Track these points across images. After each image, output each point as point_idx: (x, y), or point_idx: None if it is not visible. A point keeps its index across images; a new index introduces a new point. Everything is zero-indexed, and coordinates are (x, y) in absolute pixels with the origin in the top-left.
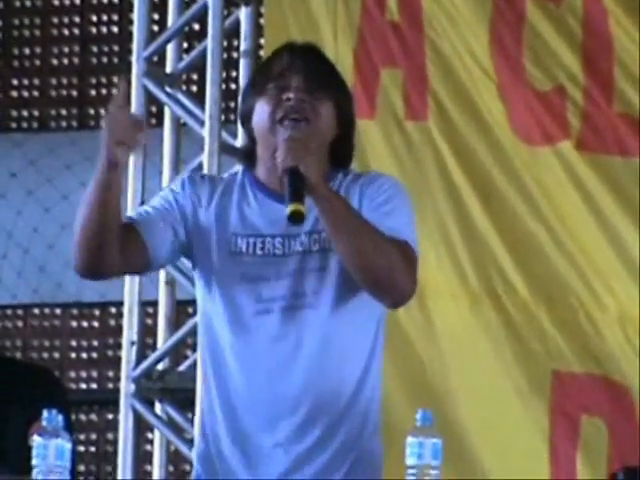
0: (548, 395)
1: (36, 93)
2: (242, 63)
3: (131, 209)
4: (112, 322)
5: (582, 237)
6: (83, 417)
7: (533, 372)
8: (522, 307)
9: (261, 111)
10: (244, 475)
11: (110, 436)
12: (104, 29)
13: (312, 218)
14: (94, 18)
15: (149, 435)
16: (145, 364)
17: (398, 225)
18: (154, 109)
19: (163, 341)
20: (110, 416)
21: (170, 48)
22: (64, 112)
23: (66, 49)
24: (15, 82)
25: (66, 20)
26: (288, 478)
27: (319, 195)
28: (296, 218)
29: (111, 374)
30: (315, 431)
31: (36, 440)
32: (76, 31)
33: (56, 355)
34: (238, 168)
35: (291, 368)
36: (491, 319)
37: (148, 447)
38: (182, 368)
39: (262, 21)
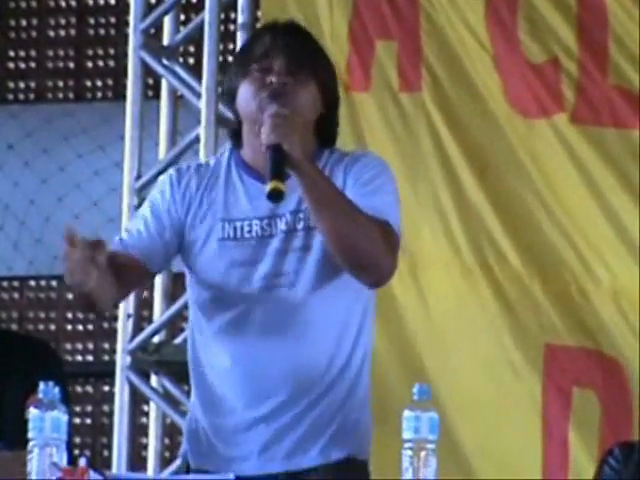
0: (541, 368)
1: (33, 65)
2: (239, 36)
3: (128, 183)
4: None
5: (576, 210)
6: (79, 389)
7: (526, 345)
8: (515, 280)
9: (245, 92)
10: (224, 449)
11: (106, 408)
12: (101, 1)
13: (297, 197)
14: None
15: (145, 407)
16: (141, 337)
17: (381, 205)
18: (151, 81)
19: (159, 314)
20: (106, 388)
21: (167, 20)
22: (61, 84)
23: (63, 21)
24: (12, 54)
25: None
26: (268, 449)
27: (302, 172)
28: (275, 196)
29: (107, 346)
30: (298, 406)
31: (32, 412)
32: (73, 3)
33: (52, 327)
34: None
35: (274, 347)
36: (484, 291)
37: (144, 419)
38: (178, 341)
39: None
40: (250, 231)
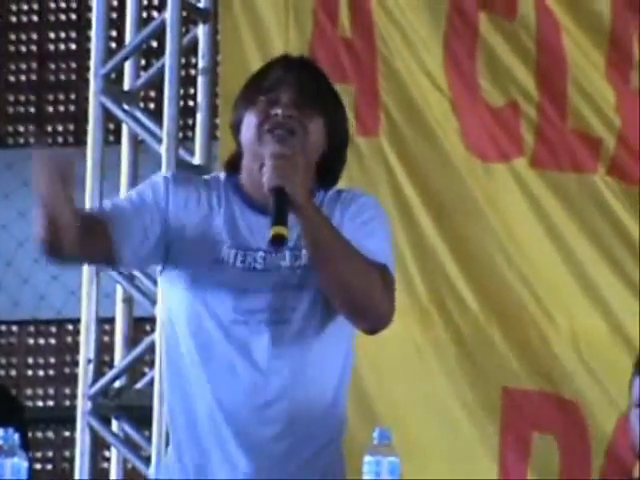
0: (499, 413)
1: None
2: (200, 80)
3: None
4: (69, 339)
5: (535, 254)
6: (40, 435)
7: (483, 389)
8: (473, 323)
9: (248, 122)
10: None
11: (67, 454)
12: (62, 46)
13: (296, 234)
14: (52, 35)
15: (106, 453)
16: (102, 382)
17: (377, 248)
18: (112, 126)
19: (120, 359)
20: (67, 434)
21: (128, 65)
22: (22, 129)
23: (24, 66)
24: None
25: (24, 37)
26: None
27: (305, 216)
28: (278, 241)
29: (68, 391)
30: (287, 441)
31: None
32: (33, 48)
33: (13, 372)
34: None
35: (265, 382)
36: (441, 334)
37: (105, 465)
38: (139, 386)
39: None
40: (244, 261)
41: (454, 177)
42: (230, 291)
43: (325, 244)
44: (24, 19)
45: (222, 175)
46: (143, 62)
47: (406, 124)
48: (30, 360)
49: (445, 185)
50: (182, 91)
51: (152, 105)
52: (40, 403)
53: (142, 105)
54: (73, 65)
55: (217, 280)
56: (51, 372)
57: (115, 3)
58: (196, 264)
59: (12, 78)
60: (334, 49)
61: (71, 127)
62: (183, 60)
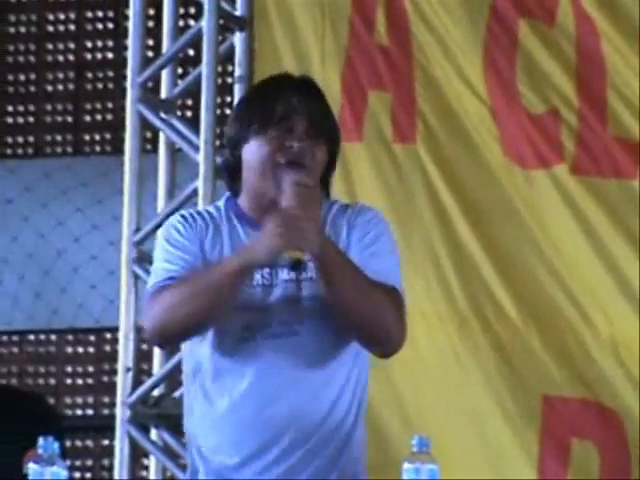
0: (539, 420)
1: (31, 119)
2: (236, 88)
3: (126, 236)
4: (107, 348)
5: (576, 261)
6: (79, 443)
7: (523, 397)
8: (512, 331)
9: (258, 149)
10: None
11: (106, 462)
12: (99, 55)
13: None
14: (89, 44)
15: (145, 461)
16: (141, 390)
17: (386, 269)
18: (149, 135)
19: (159, 367)
20: (106, 442)
21: (165, 74)
22: (59, 138)
23: (61, 75)
24: (10, 108)
25: (61, 46)
26: None
27: (317, 255)
28: (298, 266)
29: (107, 400)
30: (295, 456)
31: (32, 468)
32: (71, 57)
33: (52, 381)
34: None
35: (276, 395)
36: (480, 342)
37: (144, 473)
38: (178, 394)
39: None
40: (252, 278)
41: (493, 184)
42: (238, 309)
43: (336, 275)
44: (61, 28)
45: (223, 201)
46: (180, 70)
47: (443, 131)
48: (69, 369)
49: (483, 192)
50: (219, 99)
51: (189, 113)
52: (79, 412)
53: (179, 113)
54: (110, 74)
55: None
56: (90, 381)
57: (152, 12)
58: None
59: (50, 87)
60: (371, 56)
61: (108, 136)
62: (220, 68)
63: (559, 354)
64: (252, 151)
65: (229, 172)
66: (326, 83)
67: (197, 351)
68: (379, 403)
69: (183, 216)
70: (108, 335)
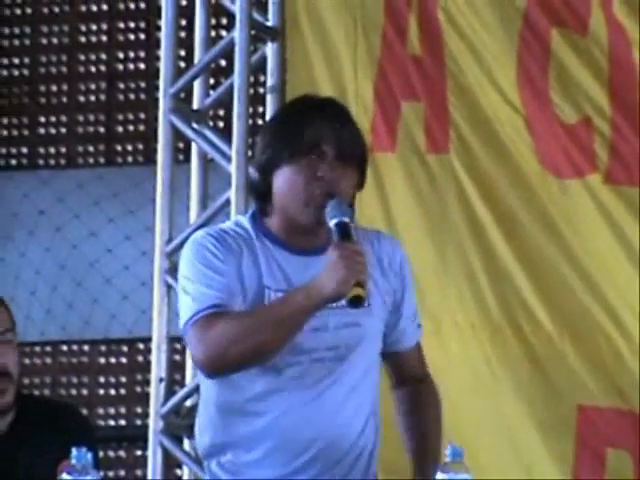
0: (573, 430)
1: (63, 130)
2: (268, 99)
3: (159, 247)
4: (140, 358)
5: (610, 270)
6: (112, 454)
7: (557, 406)
8: (546, 341)
9: (292, 179)
10: None
11: (139, 473)
12: (131, 66)
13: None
14: (121, 55)
15: (178, 471)
16: (173, 400)
17: (419, 329)
18: (181, 145)
19: (191, 377)
20: (139, 453)
21: (197, 84)
22: (91, 149)
23: (93, 86)
24: (42, 119)
25: (93, 57)
26: None
27: None
28: (356, 302)
29: (139, 410)
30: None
31: (65, 478)
32: (103, 68)
33: (84, 392)
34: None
35: (311, 420)
36: (514, 352)
37: None
38: None
39: None
40: None
41: (527, 194)
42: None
43: None
44: (93, 39)
45: (245, 221)
46: (212, 81)
47: (476, 141)
48: (102, 379)
49: (517, 202)
50: (251, 109)
51: (221, 124)
52: (112, 422)
53: (211, 124)
54: (142, 85)
55: None
56: (122, 391)
57: (184, 22)
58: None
59: (82, 98)
60: (403, 67)
61: (140, 146)
62: (252, 78)
63: (593, 363)
64: (284, 178)
65: (258, 195)
66: (359, 93)
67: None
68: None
69: (213, 236)
70: (141, 345)
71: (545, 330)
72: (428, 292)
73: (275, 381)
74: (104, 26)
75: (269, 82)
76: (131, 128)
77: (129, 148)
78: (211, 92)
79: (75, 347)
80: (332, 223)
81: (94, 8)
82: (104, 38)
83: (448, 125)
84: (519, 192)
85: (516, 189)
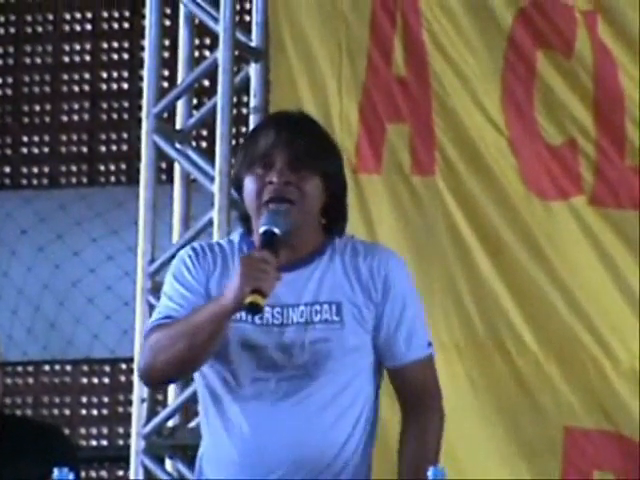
0: (560, 451)
1: (46, 149)
2: (252, 119)
3: (141, 267)
4: (122, 378)
5: (595, 292)
6: (94, 474)
7: (544, 428)
8: (532, 362)
9: (248, 188)
10: None
11: None
12: (114, 85)
13: (313, 289)
14: (104, 75)
15: None
16: (155, 421)
17: (422, 341)
18: (164, 165)
19: (173, 398)
20: (121, 473)
21: (180, 104)
22: (74, 168)
23: (76, 106)
24: (25, 139)
25: (76, 77)
26: None
27: None
28: (253, 309)
29: (121, 431)
30: None
31: None
32: (86, 87)
33: (66, 412)
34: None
35: (283, 435)
36: (499, 373)
37: None
38: (192, 424)
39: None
40: (262, 317)
41: (512, 215)
42: (249, 348)
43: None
44: (76, 59)
45: (237, 236)
46: (195, 101)
47: (462, 162)
48: (84, 399)
49: (503, 223)
50: (234, 130)
51: (204, 144)
52: (94, 442)
53: (194, 144)
54: (125, 104)
55: (235, 338)
56: (105, 411)
57: (167, 42)
58: None
59: (65, 118)
60: (388, 88)
61: (123, 166)
62: (235, 99)
63: (579, 385)
64: (245, 190)
65: (240, 213)
66: (343, 114)
67: (212, 386)
68: (395, 433)
69: (194, 249)
70: (123, 366)
71: (530, 351)
72: None
73: (242, 397)
74: (87, 46)
75: (252, 102)
76: (114, 148)
77: (112, 168)
78: (194, 112)
79: (57, 367)
80: (260, 231)
81: (77, 28)
82: (87, 58)
83: (433, 147)
84: (504, 213)
85: (501, 210)
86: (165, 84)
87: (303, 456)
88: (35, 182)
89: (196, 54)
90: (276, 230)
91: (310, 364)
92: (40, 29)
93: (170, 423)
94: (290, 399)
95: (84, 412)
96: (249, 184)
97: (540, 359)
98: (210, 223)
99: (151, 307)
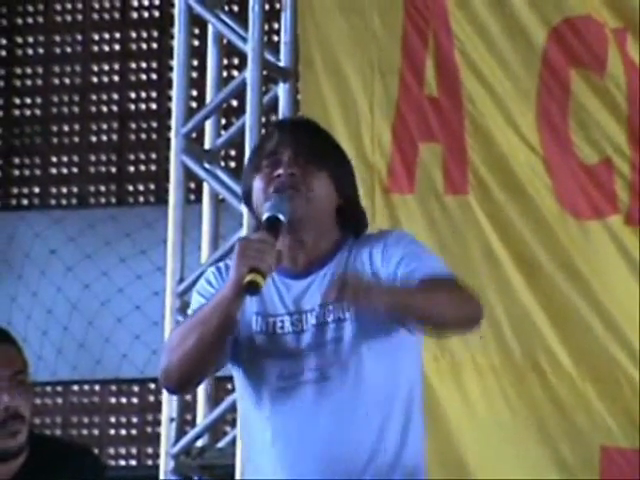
0: (597, 471)
1: (75, 170)
2: None
3: (170, 287)
4: (151, 398)
5: (631, 311)
6: None
7: (581, 448)
8: (567, 382)
9: (257, 188)
10: None
11: None
12: (142, 106)
13: (324, 290)
14: (133, 95)
15: None
16: (184, 441)
17: (432, 266)
18: (193, 185)
19: (202, 417)
20: None
21: (208, 124)
22: (103, 188)
23: (105, 126)
24: (54, 159)
25: (105, 97)
26: None
27: (388, 308)
28: (252, 288)
29: (150, 451)
30: None
31: None
32: (115, 108)
33: (95, 432)
34: None
35: (312, 441)
36: (536, 395)
37: None
38: (221, 444)
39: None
40: (282, 327)
41: (546, 235)
42: (274, 357)
43: (415, 314)
44: (105, 79)
45: None
46: (224, 121)
47: (495, 182)
48: (113, 419)
49: (537, 243)
50: None
51: (233, 164)
52: (122, 462)
53: (223, 164)
54: (154, 125)
55: (259, 350)
56: (133, 431)
57: (195, 63)
58: (239, 339)
59: (93, 138)
60: (421, 108)
61: (152, 186)
62: (263, 119)
63: (615, 404)
64: (254, 192)
65: (255, 221)
66: (375, 134)
67: (242, 407)
68: (434, 456)
69: (218, 267)
70: (152, 385)
71: (566, 371)
72: None
73: (267, 409)
74: (116, 66)
75: None
76: (143, 168)
77: (141, 188)
78: (223, 132)
79: (86, 387)
80: (264, 217)
81: (106, 48)
82: (116, 78)
83: (466, 166)
84: (538, 233)
85: (535, 230)
86: (194, 104)
87: (339, 457)
88: (64, 202)
89: (224, 74)
90: (280, 216)
91: (328, 365)
92: (69, 49)
93: (199, 443)
94: (319, 404)
95: (113, 432)
96: (257, 183)
97: (575, 378)
98: None
99: None
